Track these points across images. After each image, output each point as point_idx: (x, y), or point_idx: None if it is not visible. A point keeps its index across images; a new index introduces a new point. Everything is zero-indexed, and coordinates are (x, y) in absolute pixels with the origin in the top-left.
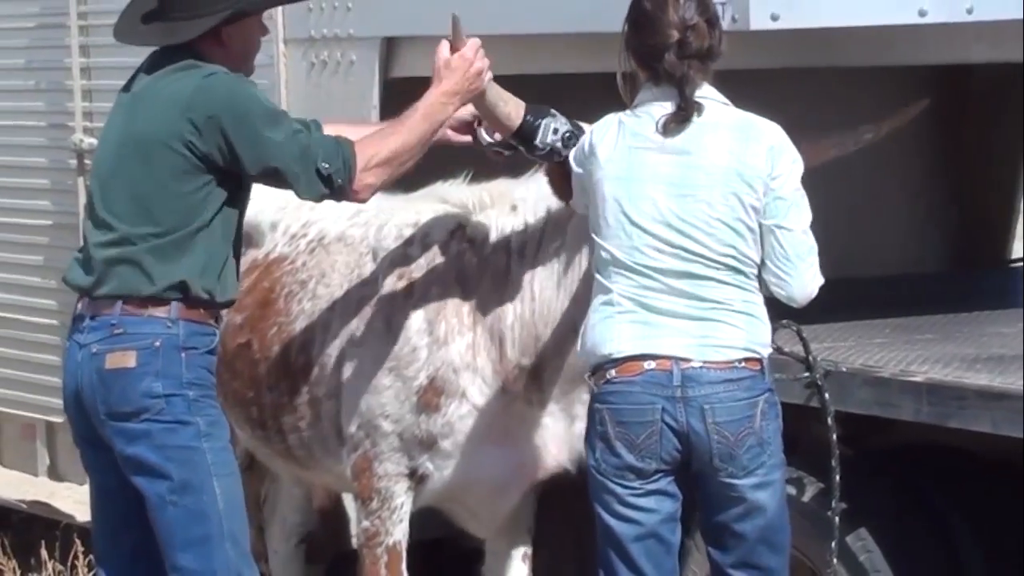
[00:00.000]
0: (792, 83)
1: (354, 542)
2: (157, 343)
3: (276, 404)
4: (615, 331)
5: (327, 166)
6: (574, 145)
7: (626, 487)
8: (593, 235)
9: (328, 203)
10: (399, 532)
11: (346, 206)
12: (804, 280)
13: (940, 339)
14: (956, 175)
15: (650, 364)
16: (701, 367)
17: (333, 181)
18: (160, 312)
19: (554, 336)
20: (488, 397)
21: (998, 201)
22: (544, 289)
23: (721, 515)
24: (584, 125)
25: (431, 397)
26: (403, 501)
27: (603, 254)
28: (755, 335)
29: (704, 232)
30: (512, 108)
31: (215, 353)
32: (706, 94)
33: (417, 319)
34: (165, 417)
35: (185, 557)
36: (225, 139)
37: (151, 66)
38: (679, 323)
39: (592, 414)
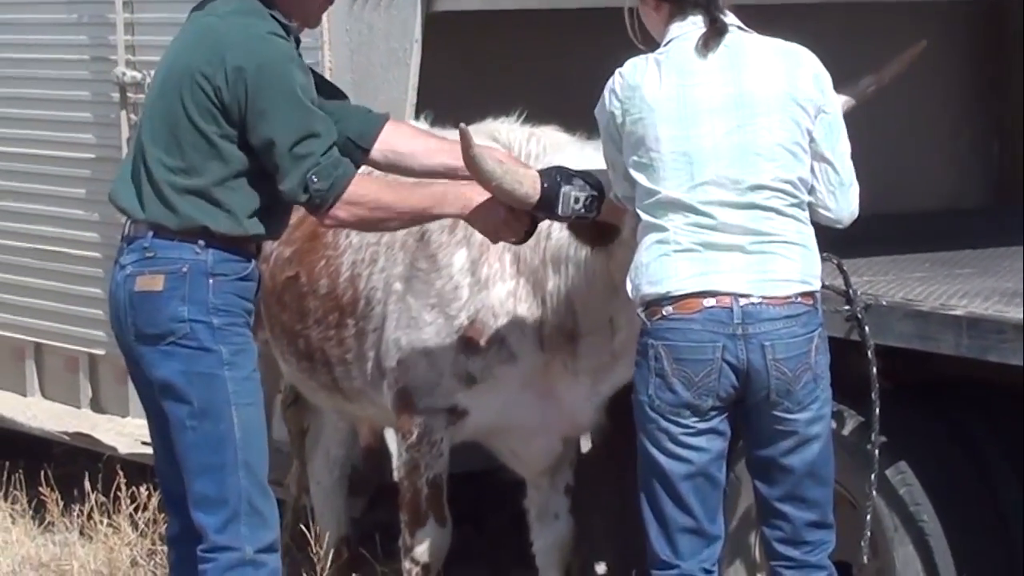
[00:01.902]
0: (831, 16)
1: (395, 475)
2: (185, 268)
3: (323, 337)
4: (672, 268)
5: (315, 181)
6: (598, 206)
7: (681, 425)
8: (640, 177)
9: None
10: (439, 466)
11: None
12: (852, 202)
13: (980, 273)
14: (997, 110)
15: (710, 301)
16: (760, 303)
17: (312, 198)
18: (191, 238)
19: (590, 320)
20: (526, 348)
21: None
22: (580, 280)
23: (771, 449)
24: (601, 176)
25: (471, 337)
26: (442, 436)
27: (656, 196)
28: (809, 267)
29: (766, 159)
30: (529, 186)
31: (251, 280)
32: (731, 21)
33: (461, 258)
34: (189, 342)
35: (199, 482)
36: (246, 97)
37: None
38: (737, 258)
39: (645, 349)
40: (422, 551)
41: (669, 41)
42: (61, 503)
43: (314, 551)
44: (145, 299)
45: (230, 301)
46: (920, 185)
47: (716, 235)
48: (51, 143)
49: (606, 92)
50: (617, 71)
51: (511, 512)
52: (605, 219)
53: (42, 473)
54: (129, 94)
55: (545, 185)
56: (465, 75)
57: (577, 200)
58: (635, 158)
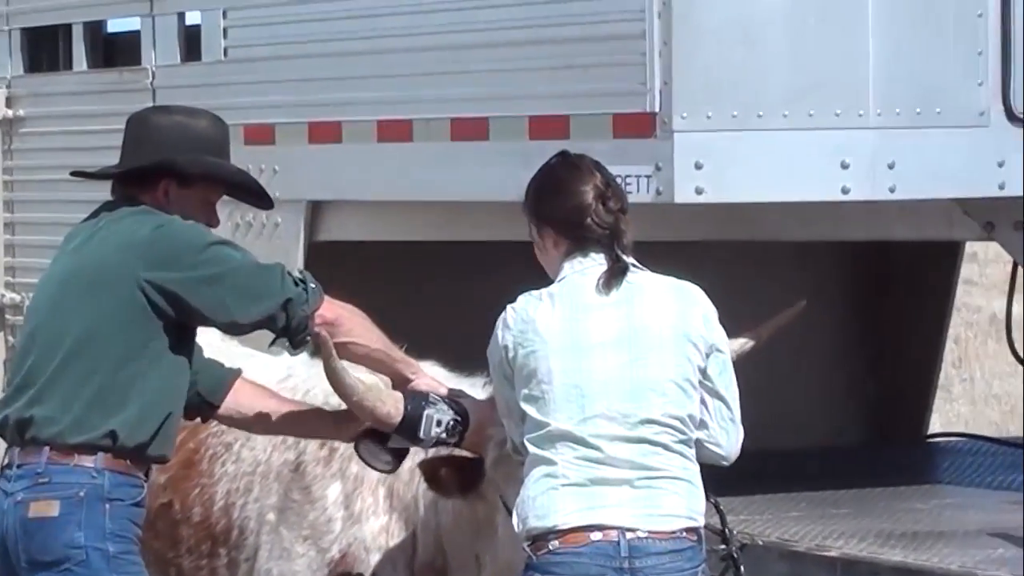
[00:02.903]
0: (714, 254)
1: None
2: (81, 493)
3: (195, 566)
4: (559, 502)
5: (299, 276)
6: (461, 432)
7: None
8: (531, 410)
9: (256, 365)
10: None
11: (275, 370)
12: (739, 441)
13: (855, 514)
14: (875, 349)
15: (596, 535)
16: (647, 537)
17: (307, 285)
18: (86, 461)
19: (457, 557)
20: None
21: (915, 376)
22: (448, 517)
23: None
24: (466, 402)
25: (343, 572)
26: None
27: (547, 428)
28: (694, 503)
29: (658, 394)
30: (391, 406)
31: (142, 506)
32: (627, 259)
33: (335, 491)
34: (84, 570)
35: None
36: (177, 291)
37: (104, 213)
38: (624, 492)
39: None
40: None
41: (564, 277)
42: None
43: None
44: (39, 526)
45: (125, 527)
46: (798, 422)
47: (604, 469)
48: None
49: (498, 328)
50: (509, 306)
51: None
52: (467, 447)
53: None
54: (8, 315)
55: (408, 407)
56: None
57: (439, 424)
58: (526, 391)
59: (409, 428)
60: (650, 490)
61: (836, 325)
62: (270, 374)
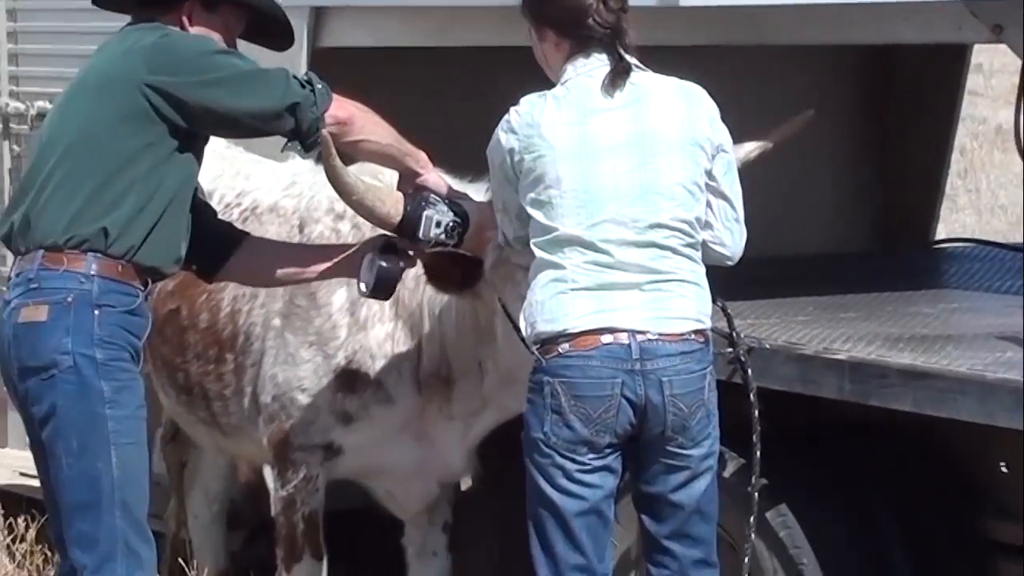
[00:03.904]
0: (720, 60)
1: (272, 510)
2: (70, 298)
3: (202, 371)
4: (569, 306)
5: (304, 78)
6: (460, 233)
7: (576, 462)
8: (538, 214)
9: (262, 172)
10: (315, 502)
11: (280, 176)
12: (742, 240)
13: (863, 318)
14: (882, 157)
15: (607, 337)
16: (657, 339)
17: (314, 86)
18: (77, 267)
19: (461, 365)
20: (403, 391)
21: (922, 184)
22: (451, 324)
23: (662, 485)
24: (466, 204)
25: (348, 377)
26: (318, 472)
27: (555, 233)
28: (702, 306)
29: (665, 198)
30: (391, 206)
31: (138, 314)
32: (631, 59)
33: (340, 297)
34: (71, 377)
35: (75, 520)
36: (178, 93)
37: (125, 30)
38: (634, 296)
39: (540, 387)
40: None
41: (568, 79)
42: None
43: None
44: (29, 330)
45: (115, 334)
46: (805, 229)
47: (613, 273)
48: None
49: (500, 130)
50: (512, 109)
51: (390, 549)
52: (467, 250)
53: None
54: (12, 124)
55: (408, 208)
56: None
57: (439, 224)
58: (533, 195)
59: (408, 228)
60: (659, 293)
61: (843, 133)
62: (275, 180)
